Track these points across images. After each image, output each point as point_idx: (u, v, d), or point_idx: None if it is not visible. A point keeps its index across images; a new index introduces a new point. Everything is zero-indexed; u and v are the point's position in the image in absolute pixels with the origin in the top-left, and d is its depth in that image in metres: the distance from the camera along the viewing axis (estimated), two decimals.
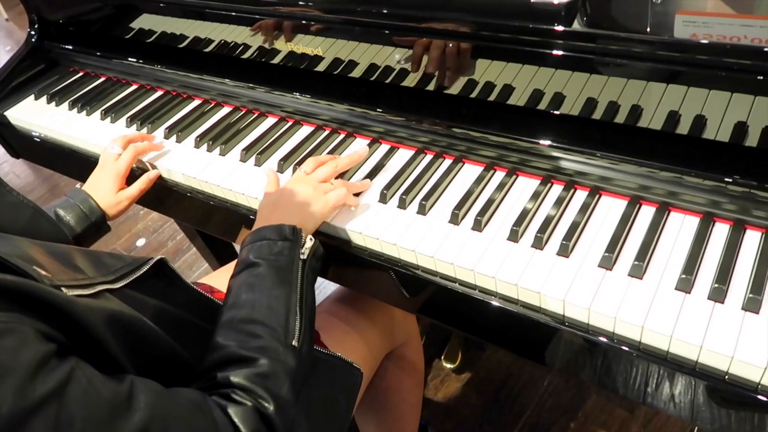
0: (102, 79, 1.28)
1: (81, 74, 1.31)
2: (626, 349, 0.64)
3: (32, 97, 1.28)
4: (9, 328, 0.43)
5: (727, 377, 0.59)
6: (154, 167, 1.02)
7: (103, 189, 0.94)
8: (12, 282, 0.46)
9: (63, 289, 0.52)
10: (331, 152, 0.93)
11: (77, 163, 1.18)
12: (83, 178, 1.27)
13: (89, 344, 0.51)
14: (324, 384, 0.77)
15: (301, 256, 0.70)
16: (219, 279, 0.99)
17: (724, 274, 0.63)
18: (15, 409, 0.40)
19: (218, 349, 0.62)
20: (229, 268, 1.04)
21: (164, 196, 1.05)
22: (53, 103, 1.24)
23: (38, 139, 1.21)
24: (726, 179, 0.69)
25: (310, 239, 0.73)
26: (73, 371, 0.45)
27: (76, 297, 0.52)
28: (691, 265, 0.65)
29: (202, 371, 0.61)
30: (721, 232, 0.69)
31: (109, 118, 1.15)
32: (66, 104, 1.22)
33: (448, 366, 1.54)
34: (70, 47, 1.32)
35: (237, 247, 0.79)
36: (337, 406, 0.76)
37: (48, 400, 0.42)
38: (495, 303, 0.71)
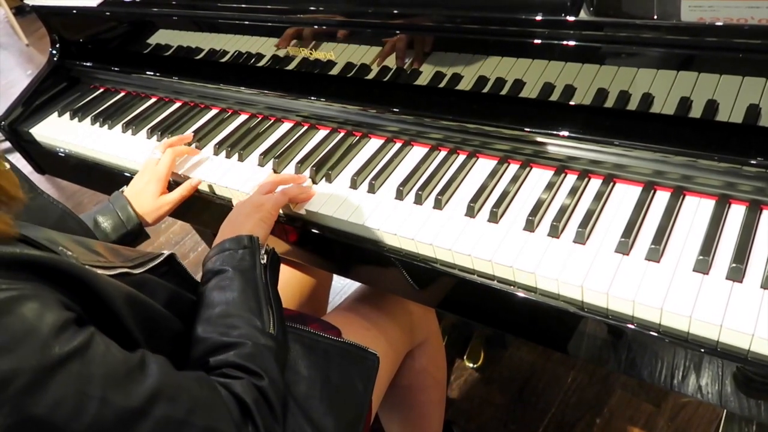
0: (122, 93, 1.32)
1: (102, 90, 1.35)
2: (647, 332, 0.64)
3: (56, 114, 1.32)
4: (34, 294, 0.47)
5: (749, 356, 0.59)
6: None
7: (144, 194, 0.95)
8: (37, 256, 0.50)
9: (86, 266, 0.55)
10: (345, 153, 0.95)
11: (100, 176, 1.21)
12: (107, 191, 1.30)
13: (106, 316, 0.55)
14: (340, 370, 0.78)
15: (262, 260, 0.74)
16: None
17: (741, 254, 0.63)
18: (41, 363, 0.45)
19: (201, 341, 0.65)
20: None
21: (186, 204, 1.08)
22: (76, 119, 1.27)
23: (63, 155, 1.25)
24: (741, 160, 0.69)
25: (267, 245, 0.78)
26: (92, 336, 0.50)
27: (98, 272, 0.56)
28: (708, 247, 0.65)
29: (191, 364, 0.65)
30: (737, 213, 0.69)
31: (130, 131, 1.18)
32: (88, 119, 1.26)
33: (471, 365, 1.54)
34: (91, 64, 1.36)
35: None
36: (354, 390, 0.77)
37: (71, 358, 0.46)
38: (514, 293, 0.72)
